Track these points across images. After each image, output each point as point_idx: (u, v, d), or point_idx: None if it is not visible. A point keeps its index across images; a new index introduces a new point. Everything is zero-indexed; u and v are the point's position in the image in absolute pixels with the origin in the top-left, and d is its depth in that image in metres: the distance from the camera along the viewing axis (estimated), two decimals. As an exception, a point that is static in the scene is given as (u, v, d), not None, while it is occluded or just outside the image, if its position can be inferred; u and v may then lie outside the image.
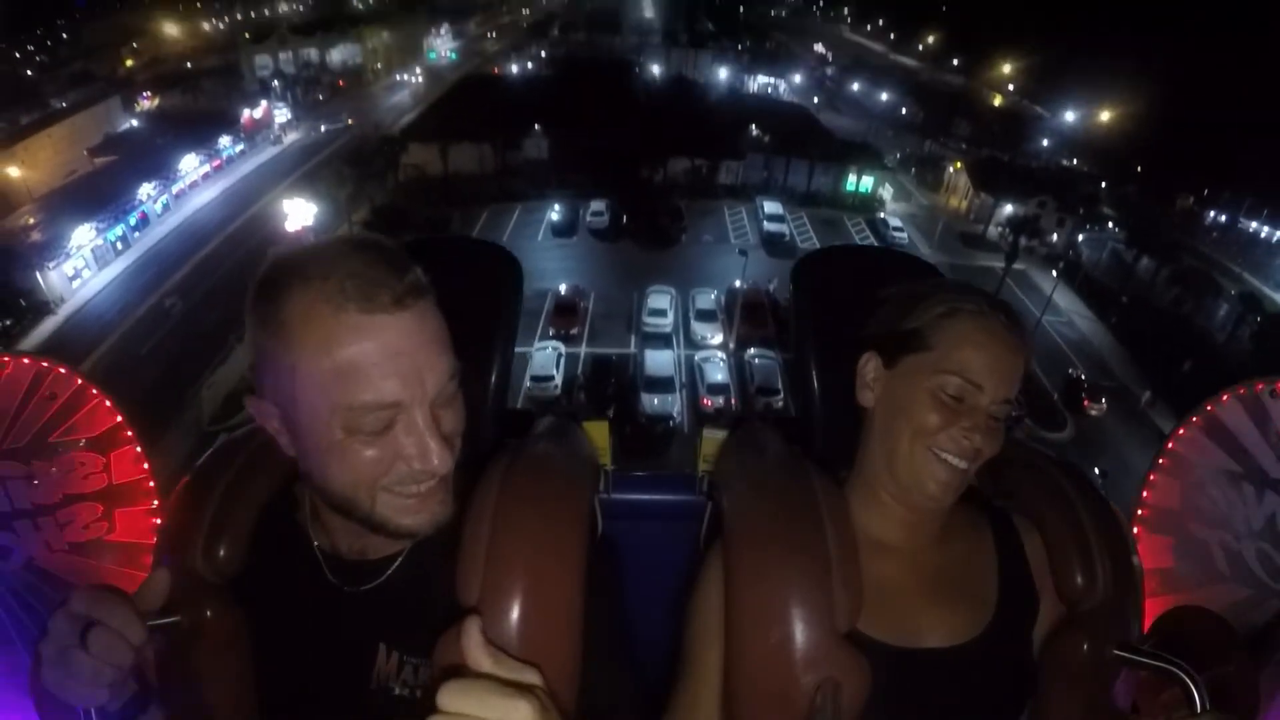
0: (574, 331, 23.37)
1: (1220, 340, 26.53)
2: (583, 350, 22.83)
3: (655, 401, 19.79)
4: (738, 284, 24.82)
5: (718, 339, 23.26)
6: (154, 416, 18.28)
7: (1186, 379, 22.97)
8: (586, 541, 0.90)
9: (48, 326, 23.55)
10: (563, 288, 25.13)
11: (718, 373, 20.88)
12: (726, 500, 1.07)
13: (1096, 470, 17.26)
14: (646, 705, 1.02)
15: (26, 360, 1.64)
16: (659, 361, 21.36)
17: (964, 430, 0.95)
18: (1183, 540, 1.71)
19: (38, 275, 24.31)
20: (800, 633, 0.90)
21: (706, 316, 24.02)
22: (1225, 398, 1.70)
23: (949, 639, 1.00)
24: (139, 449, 1.70)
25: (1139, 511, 1.74)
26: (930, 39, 72.52)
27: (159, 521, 1.57)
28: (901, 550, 1.04)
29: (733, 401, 20.11)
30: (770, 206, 33.45)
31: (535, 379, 19.81)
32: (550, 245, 30.62)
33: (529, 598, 0.82)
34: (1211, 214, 36.03)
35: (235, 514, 0.98)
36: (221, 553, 0.96)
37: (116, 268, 27.43)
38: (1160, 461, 1.74)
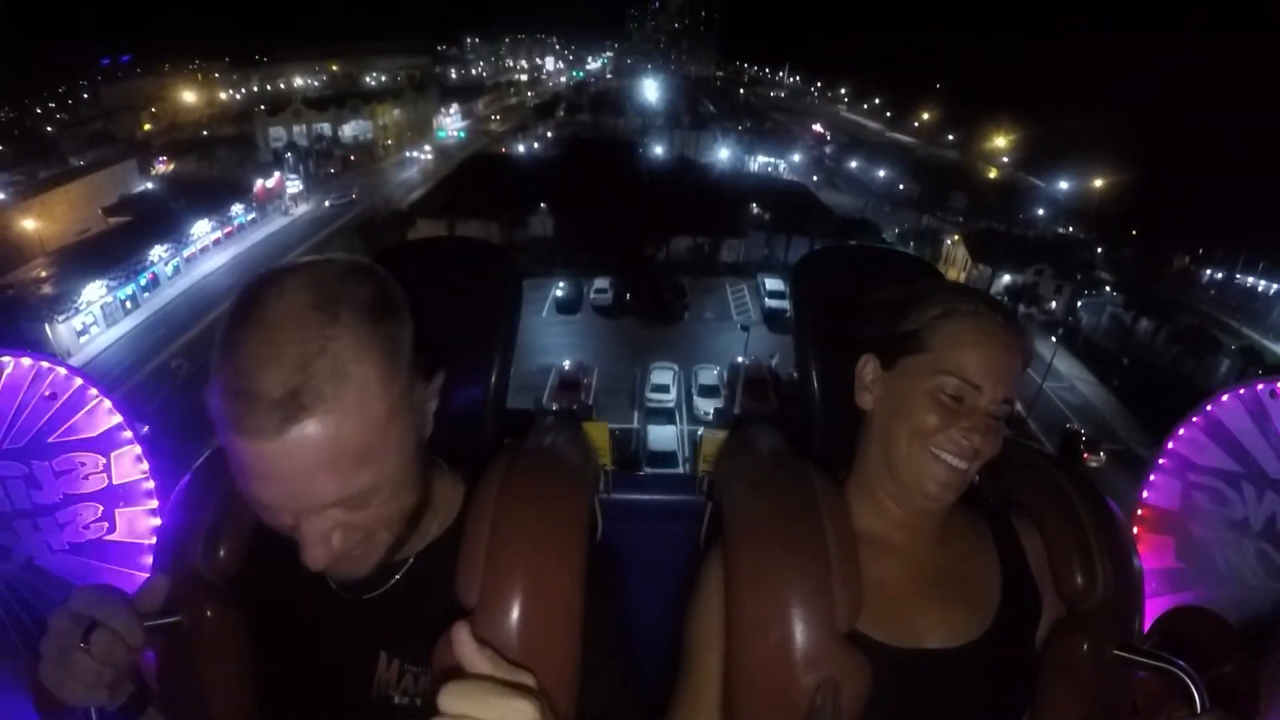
0: (577, 406, 23.48)
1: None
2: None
3: (658, 477, 19.76)
4: (740, 359, 24.96)
5: (721, 414, 23.32)
6: (157, 478, 18.47)
7: None
8: (586, 542, 0.90)
9: None
10: (566, 363, 25.28)
11: (721, 449, 20.88)
12: (726, 500, 1.07)
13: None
14: (646, 706, 1.01)
15: (26, 360, 1.63)
16: (662, 436, 21.39)
17: (963, 431, 0.95)
18: (1183, 540, 1.69)
19: (46, 328, 24.58)
20: (800, 633, 0.90)
21: (709, 392, 24.08)
22: (1225, 398, 1.70)
23: (950, 640, 0.99)
24: (139, 449, 1.69)
25: (1139, 511, 1.74)
26: (926, 116, 74.52)
27: (159, 521, 1.59)
28: (902, 550, 1.03)
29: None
30: (771, 283, 33.64)
31: None
32: (554, 321, 30.95)
33: (529, 598, 0.82)
34: (1208, 272, 36.29)
35: (236, 514, 0.97)
36: (221, 553, 0.95)
37: (125, 326, 27.64)
38: (1160, 461, 1.74)
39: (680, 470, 19.77)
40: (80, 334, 25.83)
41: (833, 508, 0.98)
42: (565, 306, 31.89)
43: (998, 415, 0.97)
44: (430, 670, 0.84)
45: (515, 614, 0.81)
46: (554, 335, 29.11)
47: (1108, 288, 35.14)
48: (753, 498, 1.03)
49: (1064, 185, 46.84)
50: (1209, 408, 1.73)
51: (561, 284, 32.84)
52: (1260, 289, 33.12)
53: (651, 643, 1.09)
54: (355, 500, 0.74)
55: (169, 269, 31.95)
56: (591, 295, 32.26)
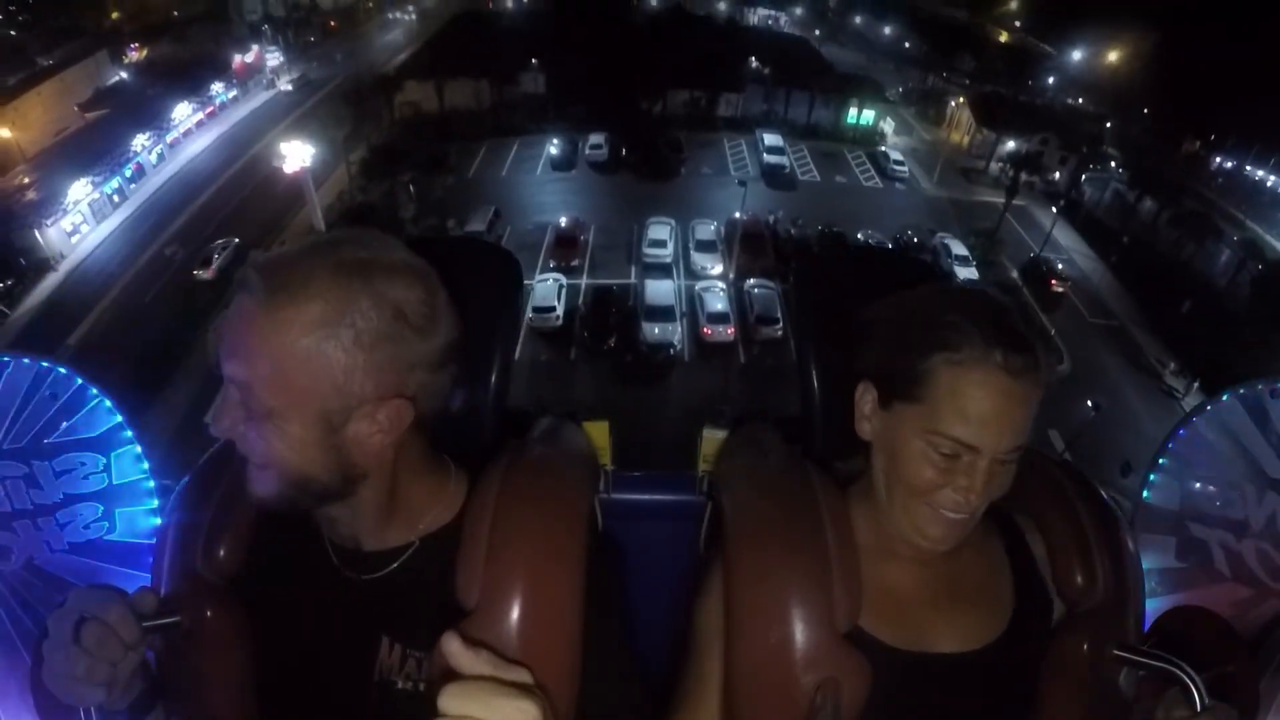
0: (575, 263, 23.50)
1: (1220, 285, 26.49)
2: (584, 281, 22.98)
3: (656, 330, 19.99)
4: (737, 215, 24.84)
5: (717, 269, 23.41)
6: (162, 362, 18.67)
7: (1184, 319, 23.09)
8: (586, 541, 0.90)
9: (49, 283, 23.54)
10: (563, 220, 25.25)
11: (718, 302, 21.07)
12: (727, 500, 1.06)
13: (1090, 403, 17.60)
14: (647, 706, 1.02)
15: (27, 360, 1.62)
16: (659, 291, 21.52)
17: (961, 490, 0.90)
18: (1183, 540, 1.70)
19: (36, 233, 24.24)
20: (800, 633, 0.90)
21: (706, 247, 24.14)
22: (1225, 397, 1.69)
23: (964, 644, 0.99)
24: (139, 449, 1.68)
25: (1139, 511, 1.74)
26: (934, -34, 70.61)
27: (159, 521, 1.57)
28: (912, 557, 1.01)
29: (732, 330, 20.29)
30: (770, 138, 33.33)
31: (537, 310, 19.97)
32: (549, 179, 30.68)
33: (529, 598, 0.82)
34: (1217, 160, 35.44)
35: (235, 514, 0.98)
36: (221, 553, 0.96)
37: (115, 220, 27.36)
38: (1160, 461, 1.73)
39: (677, 328, 19.95)
40: (71, 234, 25.48)
41: (833, 508, 0.97)
42: (560, 163, 31.57)
43: (1005, 461, 0.90)
44: (431, 667, 0.84)
45: (515, 614, 0.81)
46: (549, 193, 28.97)
47: (1114, 164, 34.62)
48: (753, 498, 1.03)
49: (1076, 55, 45.05)
50: (1209, 407, 1.71)
51: (556, 140, 32.37)
52: (1269, 183, 32.34)
53: (651, 642, 1.09)
54: (240, 392, 0.80)
55: (153, 157, 31.31)
56: (587, 151, 31.88)
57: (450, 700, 0.62)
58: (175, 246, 25.49)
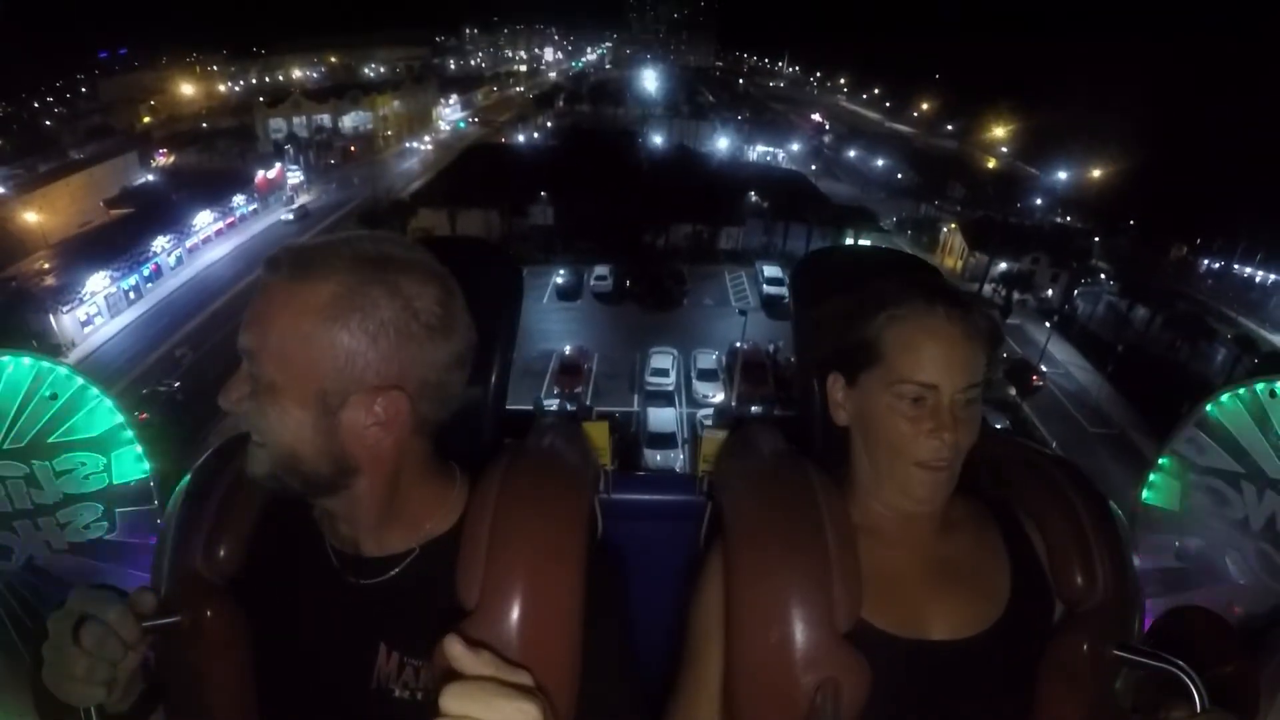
0: (578, 390, 23.54)
1: (1218, 384, 26.62)
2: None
3: (658, 457, 19.95)
4: (738, 344, 25.18)
5: (719, 397, 23.48)
6: (161, 463, 18.55)
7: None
8: (586, 542, 0.90)
9: None
10: (567, 348, 25.52)
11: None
12: (726, 500, 1.06)
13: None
14: (647, 706, 1.01)
15: (27, 360, 1.62)
16: (662, 418, 21.60)
17: (932, 433, 0.95)
18: (1183, 540, 1.69)
19: (50, 318, 24.63)
20: (800, 633, 0.90)
21: (708, 376, 24.31)
22: (1225, 398, 1.69)
23: (959, 631, 0.99)
24: (139, 449, 1.68)
25: (1139, 511, 1.73)
26: (924, 106, 74.31)
27: (159, 521, 1.55)
28: (906, 542, 1.03)
29: (734, 458, 20.29)
30: (770, 270, 33.87)
31: None
32: (555, 308, 31.17)
33: (529, 599, 0.82)
34: (1205, 262, 36.21)
35: (235, 514, 0.98)
36: (222, 553, 0.96)
37: (128, 316, 27.80)
38: (1160, 461, 1.74)
39: (679, 454, 20.02)
40: (84, 324, 25.92)
41: (832, 507, 0.98)
42: (566, 293, 32.12)
43: (968, 400, 0.97)
44: (431, 668, 0.83)
45: (515, 614, 0.81)
46: (554, 321, 29.33)
47: (1104, 276, 35.28)
48: (753, 498, 1.03)
49: (1062, 175, 46.74)
50: (1209, 408, 1.71)
51: (562, 271, 33.03)
52: (1258, 279, 33.05)
53: (651, 643, 1.08)
54: (250, 361, 0.82)
55: (172, 259, 32.10)
56: (592, 282, 32.49)
57: (451, 700, 0.63)
58: (185, 349, 25.74)
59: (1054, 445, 21.60)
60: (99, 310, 26.93)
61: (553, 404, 21.68)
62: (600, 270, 32.80)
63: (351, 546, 0.92)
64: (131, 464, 1.68)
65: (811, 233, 37.17)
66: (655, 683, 1.07)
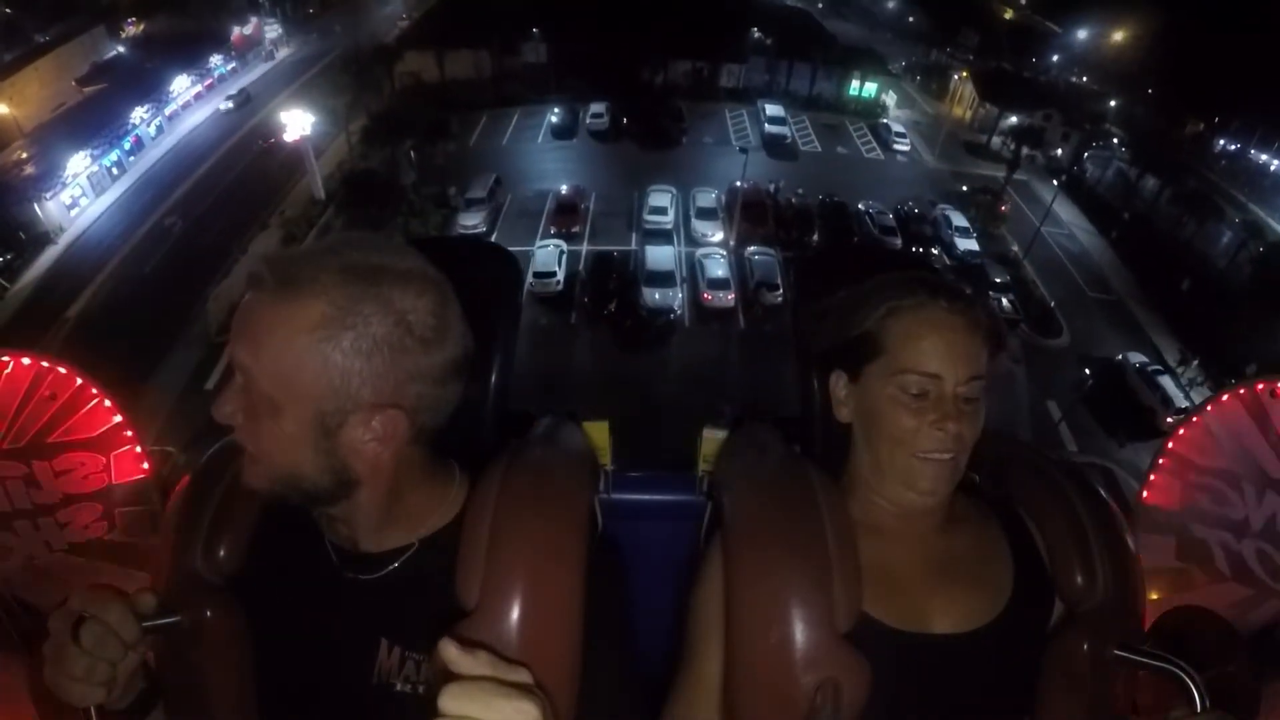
0: (575, 230, 23.52)
1: (1221, 265, 26.48)
2: (584, 248, 23.00)
3: (656, 295, 20.05)
4: (738, 183, 24.82)
5: (718, 236, 23.44)
6: (162, 331, 18.65)
7: (1184, 297, 23.17)
8: (586, 542, 0.90)
9: (49, 256, 23.58)
10: (564, 188, 25.24)
11: (718, 268, 21.12)
12: (726, 500, 1.07)
13: (1086, 371, 17.56)
14: (647, 705, 1.02)
15: (27, 360, 1.61)
16: (660, 256, 21.57)
17: (935, 424, 0.96)
18: (1183, 540, 1.70)
19: (35, 207, 24.24)
20: (800, 633, 0.90)
21: (707, 214, 24.15)
22: (1225, 397, 1.69)
23: (961, 625, 1.00)
24: (139, 449, 1.67)
25: (1139, 511, 1.74)
26: (941, -55, 69.90)
27: (159, 521, 1.56)
28: (907, 537, 1.04)
29: (732, 296, 20.34)
30: (772, 109, 33.23)
31: (538, 275, 20.04)
32: (550, 147, 30.65)
33: (529, 598, 0.82)
34: (1220, 142, 35.15)
35: (235, 514, 0.98)
36: (221, 553, 0.96)
37: (114, 193, 27.34)
38: (1160, 461, 1.73)
39: (677, 292, 19.96)
40: (70, 208, 25.47)
41: (833, 507, 0.98)
42: (561, 132, 31.50)
43: (970, 395, 0.97)
44: (431, 667, 0.84)
45: (515, 614, 0.81)
46: (550, 161, 28.98)
47: (1116, 142, 34.47)
48: (753, 498, 1.03)
49: (1082, 34, 44.69)
50: (1209, 408, 1.71)
51: (557, 110, 32.32)
52: (1272, 167, 32.06)
53: (651, 643, 1.09)
54: (247, 384, 0.81)
55: (152, 129, 31.26)
56: (587, 120, 31.78)
57: (450, 700, 0.62)
58: (174, 218, 25.51)
59: (1052, 304, 21.66)
60: (83, 191, 26.38)
61: (549, 244, 21.48)
62: (596, 108, 32.01)
63: (350, 544, 0.92)
64: (131, 464, 1.68)
65: (816, 72, 36.15)
66: (655, 682, 1.08)
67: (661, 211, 24.01)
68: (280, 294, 0.78)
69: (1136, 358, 20.02)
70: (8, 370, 1.60)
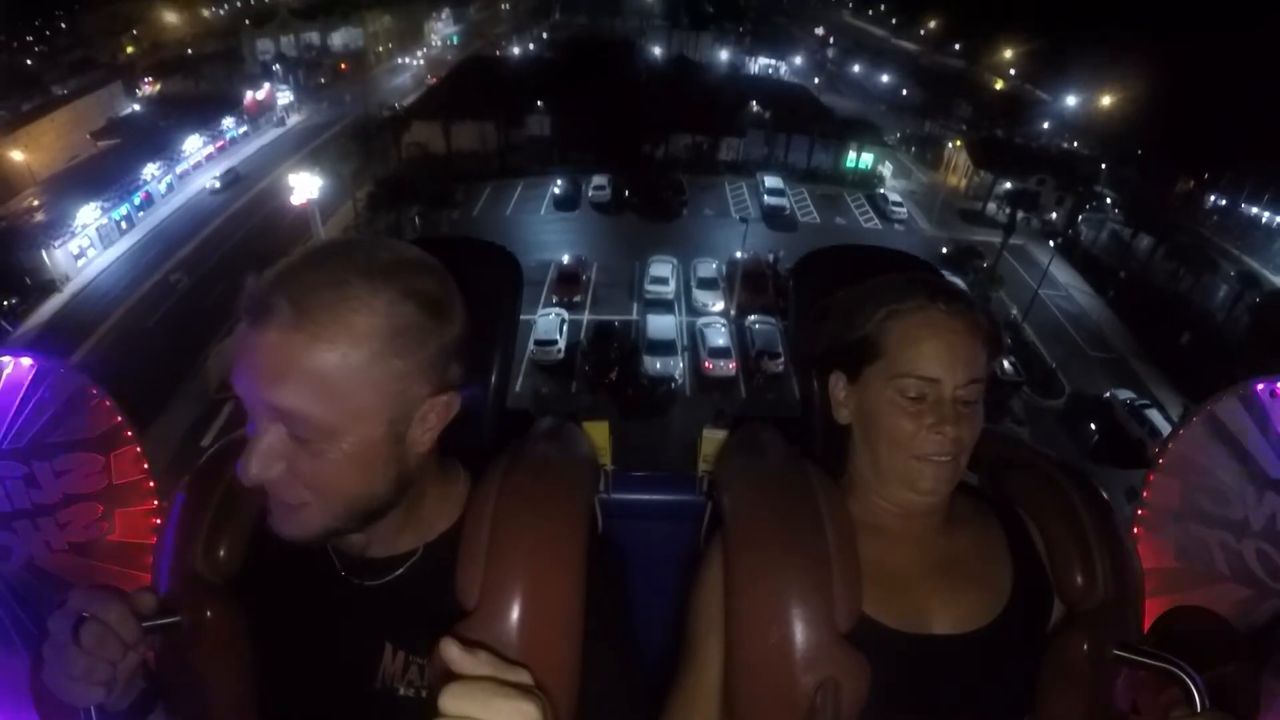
0: (577, 299, 23.61)
1: (1219, 318, 26.65)
2: (586, 317, 23.07)
3: (658, 364, 20.05)
4: (739, 254, 25.10)
5: (719, 306, 23.53)
6: (161, 385, 18.56)
7: (1184, 351, 23.26)
8: (586, 542, 0.90)
9: (53, 304, 23.78)
10: (565, 258, 25.39)
11: (719, 337, 21.17)
12: (726, 500, 1.06)
13: (1092, 426, 17.32)
14: (647, 705, 1.02)
15: (27, 360, 1.61)
16: (661, 325, 21.65)
17: (934, 427, 0.96)
18: (1183, 540, 1.69)
19: (43, 254, 24.49)
20: (800, 633, 0.90)
21: (708, 285, 24.29)
22: (1225, 398, 1.68)
23: (960, 626, 0.99)
24: (139, 449, 1.67)
25: (1139, 511, 1.72)
26: (931, 24, 72.26)
27: (159, 521, 1.57)
28: (907, 538, 1.04)
29: (733, 365, 20.38)
30: (771, 181, 33.79)
31: (539, 343, 20.07)
32: (553, 218, 31.05)
33: (528, 598, 0.82)
34: (1211, 198, 35.77)
35: (236, 514, 0.97)
36: (222, 553, 0.96)
37: (121, 246, 27.68)
38: (1160, 461, 1.72)
39: (679, 361, 20.00)
40: (77, 257, 25.78)
41: (832, 507, 0.98)
42: (564, 203, 31.95)
43: (969, 399, 0.97)
44: (430, 669, 0.84)
45: (515, 614, 0.81)
46: (553, 232, 29.27)
47: (1109, 202, 35.00)
48: (752, 497, 1.03)
49: (1071, 101, 45.87)
50: (1209, 408, 1.70)
51: (559, 181, 32.83)
52: (1264, 219, 32.58)
53: (651, 643, 1.09)
54: (298, 426, 0.76)
55: (162, 186, 31.84)
56: (590, 192, 32.29)
57: (450, 701, 0.62)
58: (180, 274, 25.73)
59: (1053, 365, 21.68)
60: (91, 242, 26.74)
61: (551, 312, 21.64)
62: (598, 180, 32.58)
63: (359, 550, 0.92)
64: (131, 464, 1.67)
65: (814, 145, 36.78)
66: (655, 682, 1.08)
67: (663, 281, 24.22)
68: (313, 319, 0.73)
69: (1124, 394, 20.82)
70: (8, 370, 1.60)
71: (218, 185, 32.96)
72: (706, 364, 20.41)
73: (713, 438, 1.41)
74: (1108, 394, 21.00)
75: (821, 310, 1.10)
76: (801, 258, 1.39)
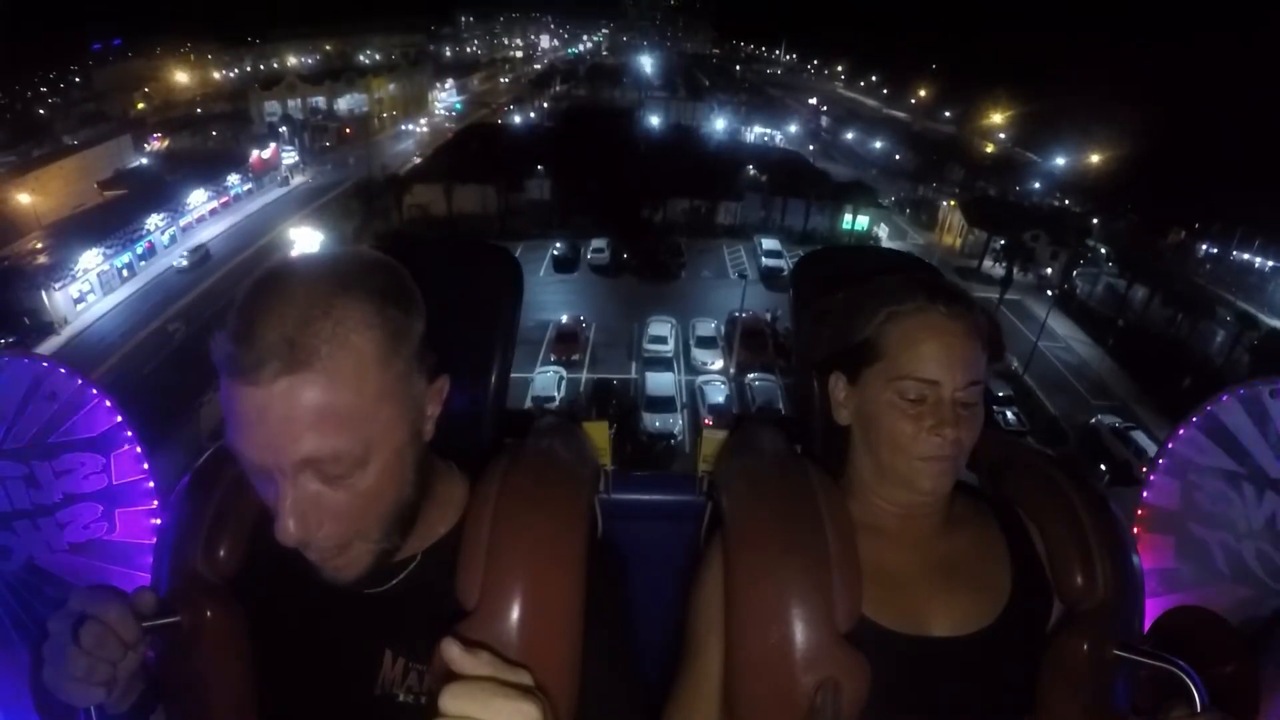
0: (575, 358, 23.69)
1: (1219, 363, 26.71)
2: (584, 375, 23.11)
3: (657, 422, 19.95)
4: (737, 313, 25.21)
5: (718, 365, 23.54)
6: (153, 432, 18.55)
7: (1187, 395, 23.20)
8: (586, 542, 0.90)
9: (50, 345, 23.77)
10: (564, 317, 25.56)
11: (718, 395, 21.15)
12: (726, 500, 1.06)
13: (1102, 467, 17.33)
14: (647, 706, 1.01)
15: (26, 360, 1.61)
16: (660, 383, 21.65)
17: (934, 429, 0.96)
18: (1183, 540, 1.68)
19: (43, 295, 24.63)
20: (800, 633, 0.90)
21: (707, 343, 24.39)
22: (1225, 398, 1.68)
23: (960, 628, 0.99)
24: (139, 449, 1.67)
25: (1139, 511, 1.72)
26: (922, 93, 74.31)
27: (159, 521, 1.56)
28: (906, 539, 1.04)
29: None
30: (768, 243, 34.13)
31: (537, 400, 19.97)
32: (552, 280, 31.29)
33: (529, 598, 0.82)
34: (1203, 247, 36.19)
35: (235, 514, 0.97)
36: (222, 553, 0.95)
37: (121, 294, 27.86)
38: (1160, 461, 1.72)
39: (678, 419, 19.90)
40: (77, 301, 25.95)
41: (832, 507, 0.98)
42: (563, 265, 32.22)
43: (968, 401, 0.97)
44: (431, 669, 0.83)
45: (515, 614, 0.81)
46: (552, 293, 29.41)
47: (1104, 254, 35.32)
48: (753, 498, 1.03)
49: (1061, 161, 46.93)
50: (1209, 408, 1.70)
51: (559, 244, 33.14)
52: (1257, 264, 32.93)
53: (651, 643, 1.09)
54: (332, 466, 0.74)
55: (165, 238, 32.13)
56: (589, 255, 32.60)
57: (450, 701, 0.62)
58: (178, 324, 25.81)
59: (1056, 415, 21.60)
60: (92, 287, 26.92)
61: (549, 370, 21.64)
62: (597, 243, 32.92)
63: None
64: (131, 464, 1.66)
65: (810, 209, 37.22)
66: (655, 682, 1.08)
67: (661, 340, 24.31)
68: (317, 355, 0.71)
69: (1109, 419, 21.88)
70: (8, 370, 1.59)
71: (184, 264, 31.07)
72: (706, 420, 20.26)
73: (713, 438, 1.39)
74: (1094, 419, 21.85)
75: (821, 312, 1.11)
76: (801, 258, 1.39)
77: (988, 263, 34.59)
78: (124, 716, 0.90)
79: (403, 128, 59.33)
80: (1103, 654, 0.97)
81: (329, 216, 31.65)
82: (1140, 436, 20.38)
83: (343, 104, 57.21)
